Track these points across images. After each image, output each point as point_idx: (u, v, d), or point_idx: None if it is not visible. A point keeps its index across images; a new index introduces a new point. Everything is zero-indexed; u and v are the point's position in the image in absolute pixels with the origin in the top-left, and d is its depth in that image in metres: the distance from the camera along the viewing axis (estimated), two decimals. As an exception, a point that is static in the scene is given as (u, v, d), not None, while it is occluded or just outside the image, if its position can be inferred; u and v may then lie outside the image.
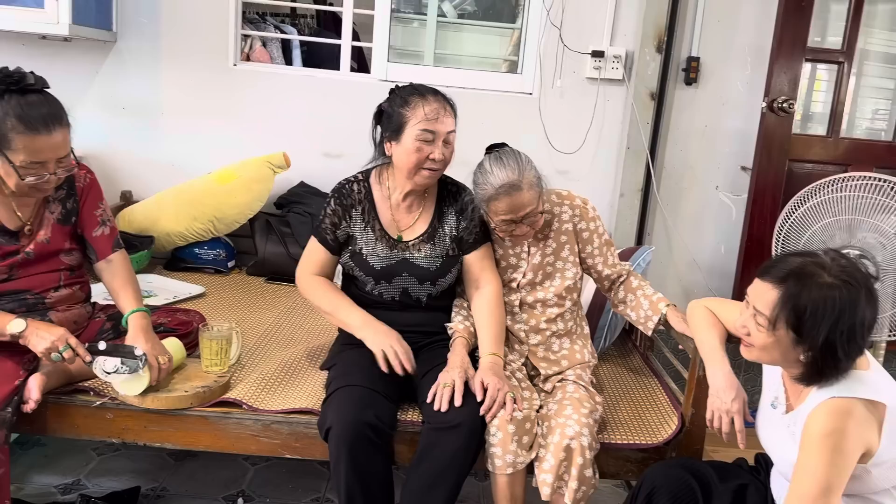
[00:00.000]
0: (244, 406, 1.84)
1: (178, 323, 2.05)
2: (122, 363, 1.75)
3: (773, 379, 1.62)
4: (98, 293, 2.11)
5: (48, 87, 1.76)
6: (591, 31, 3.03)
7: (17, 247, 1.82)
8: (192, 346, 2.01)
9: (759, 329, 1.44)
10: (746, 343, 1.50)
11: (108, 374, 1.75)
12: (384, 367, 1.82)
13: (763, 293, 1.43)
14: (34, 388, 1.75)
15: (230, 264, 2.98)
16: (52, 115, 1.71)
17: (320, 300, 1.97)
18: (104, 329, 1.98)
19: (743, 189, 3.14)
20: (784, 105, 2.93)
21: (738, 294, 3.09)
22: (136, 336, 1.81)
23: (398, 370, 1.82)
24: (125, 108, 3.05)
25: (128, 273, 1.97)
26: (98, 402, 1.81)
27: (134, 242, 2.71)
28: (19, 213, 1.82)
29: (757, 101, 3.02)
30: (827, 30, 3.10)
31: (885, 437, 1.39)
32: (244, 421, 1.83)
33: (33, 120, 1.67)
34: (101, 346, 1.75)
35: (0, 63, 2.81)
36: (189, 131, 3.08)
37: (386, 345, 1.83)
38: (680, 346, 1.98)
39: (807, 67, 3.03)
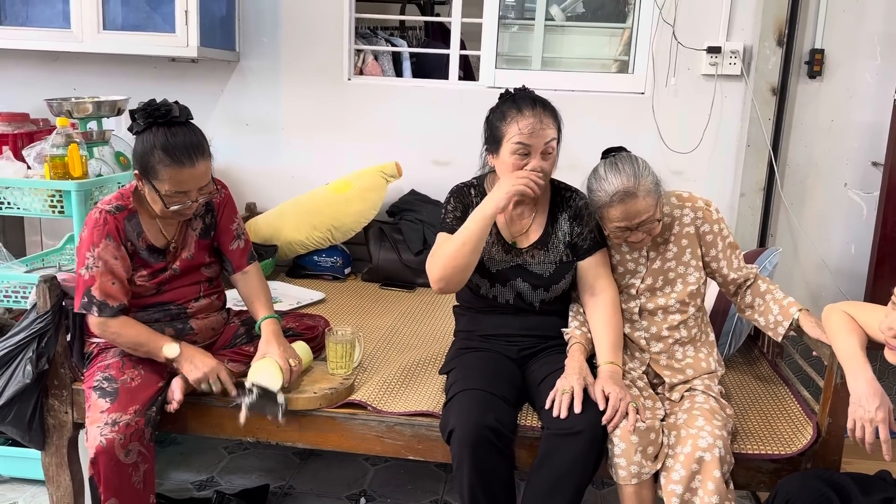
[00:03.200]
0: (369, 408, 1.90)
1: (305, 328, 2.14)
2: (263, 406, 1.82)
3: (923, 387, 1.52)
4: (231, 299, 2.23)
5: (192, 118, 1.86)
6: (706, 27, 2.94)
7: (164, 264, 1.95)
8: (317, 350, 2.09)
9: None
10: (891, 346, 1.42)
11: (249, 412, 1.84)
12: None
13: None
14: (176, 389, 1.87)
15: (346, 271, 3.08)
16: (196, 147, 1.80)
17: (446, 253, 1.88)
18: (238, 333, 2.09)
19: (874, 186, 2.95)
20: (921, 95, 2.74)
21: (871, 297, 2.91)
22: (269, 340, 1.91)
23: None
24: (248, 125, 3.22)
25: (261, 283, 2.07)
26: (234, 403, 1.91)
27: (259, 251, 2.84)
28: (165, 233, 1.95)
29: (888, 92, 2.85)
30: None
31: None
32: (369, 422, 1.89)
33: (178, 152, 1.77)
34: (248, 384, 1.83)
35: (135, 85, 3.06)
36: (307, 144, 3.21)
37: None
38: (814, 353, 1.89)
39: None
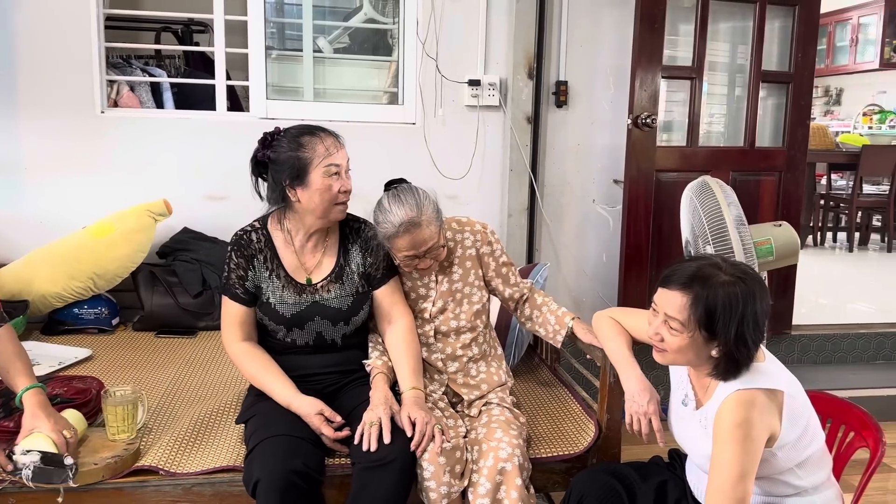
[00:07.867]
0: (161, 472, 1.74)
1: (76, 392, 1.91)
2: (49, 474, 1.60)
3: (681, 378, 1.73)
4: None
5: None
6: (465, 61, 3.14)
7: None
8: (93, 415, 1.89)
9: (672, 333, 1.54)
10: (660, 349, 1.59)
11: (34, 483, 1.60)
12: (328, 432, 1.78)
13: (671, 300, 1.53)
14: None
15: (114, 322, 2.81)
16: None
17: (250, 375, 1.91)
18: (-8, 409, 1.81)
19: (617, 201, 3.34)
20: (647, 120, 3.15)
21: (624, 298, 3.27)
22: (35, 413, 1.67)
23: (336, 425, 1.81)
24: (-20, 165, 2.83)
25: (16, 348, 1.81)
26: (14, 475, 1.64)
27: (7, 309, 2.48)
28: None
29: (622, 118, 3.24)
30: (678, 47, 3.37)
31: (786, 421, 1.52)
32: (163, 487, 1.74)
33: None
34: (20, 452, 1.59)
35: None
36: (57, 185, 2.90)
37: (318, 408, 1.81)
38: (587, 356, 2.08)
39: (664, 83, 3.27)
